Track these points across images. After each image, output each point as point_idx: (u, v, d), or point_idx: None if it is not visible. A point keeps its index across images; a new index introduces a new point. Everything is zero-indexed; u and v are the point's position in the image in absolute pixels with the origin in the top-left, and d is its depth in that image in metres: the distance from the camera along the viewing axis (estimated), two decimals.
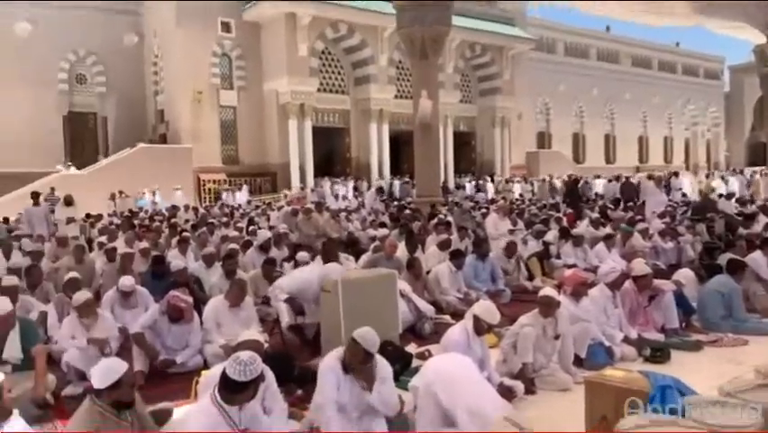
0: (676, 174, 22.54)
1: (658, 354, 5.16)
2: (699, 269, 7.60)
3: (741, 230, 10.50)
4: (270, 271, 6.89)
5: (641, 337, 5.44)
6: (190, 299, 5.28)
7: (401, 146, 27.61)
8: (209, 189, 23.65)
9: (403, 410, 3.80)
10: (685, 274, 6.67)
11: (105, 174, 21.00)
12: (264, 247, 8.27)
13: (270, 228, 10.79)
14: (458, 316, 5.76)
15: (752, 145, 42.46)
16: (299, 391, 4.32)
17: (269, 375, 3.52)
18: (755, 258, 7.12)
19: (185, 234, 10.02)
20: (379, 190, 21.37)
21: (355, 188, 23.45)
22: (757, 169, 26.93)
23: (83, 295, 4.98)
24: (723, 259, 7.07)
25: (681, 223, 11.23)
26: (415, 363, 4.97)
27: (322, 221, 10.86)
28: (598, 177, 24.05)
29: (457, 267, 7.41)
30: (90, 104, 25.97)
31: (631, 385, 3.14)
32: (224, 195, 22.43)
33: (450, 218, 11.88)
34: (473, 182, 25.16)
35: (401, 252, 8.01)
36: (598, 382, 3.32)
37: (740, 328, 5.83)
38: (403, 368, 4.82)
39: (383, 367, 3.67)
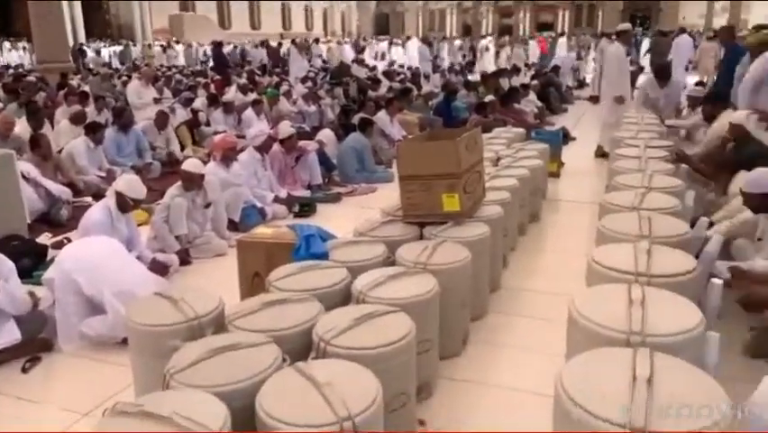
0: (317, 41, 23.80)
1: (306, 208, 5.67)
2: (337, 129, 8.35)
3: (370, 93, 11.85)
4: None
5: (290, 195, 5.83)
6: None
7: (11, 2, 22.43)
8: None
9: (38, 307, 3.31)
10: (326, 134, 7.40)
11: None
12: None
13: None
14: (100, 196, 5.17)
15: (377, 16, 47.35)
16: None
17: None
18: (381, 116, 8.19)
19: None
20: None
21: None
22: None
23: None
24: (356, 119, 7.90)
25: (321, 87, 12.04)
26: (51, 253, 4.38)
27: None
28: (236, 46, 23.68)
29: (96, 142, 6.71)
30: None
31: (279, 239, 3.29)
32: None
33: (85, 88, 10.45)
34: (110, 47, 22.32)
35: (22, 129, 6.84)
36: (250, 241, 3.40)
37: (371, 178, 6.75)
38: (37, 262, 4.26)
39: (2, 264, 3.08)
